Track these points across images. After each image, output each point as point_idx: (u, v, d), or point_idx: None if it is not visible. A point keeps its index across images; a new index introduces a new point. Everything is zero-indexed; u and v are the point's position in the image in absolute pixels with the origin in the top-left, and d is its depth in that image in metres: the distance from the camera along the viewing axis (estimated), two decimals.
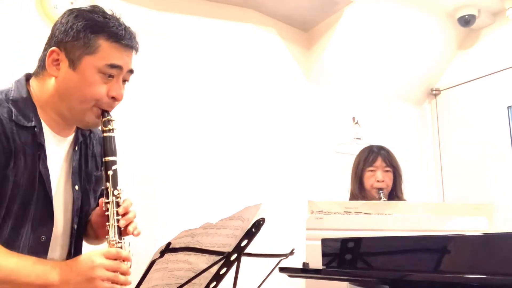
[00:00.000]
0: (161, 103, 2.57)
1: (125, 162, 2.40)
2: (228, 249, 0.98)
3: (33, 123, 1.14)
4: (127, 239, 1.20)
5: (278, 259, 1.08)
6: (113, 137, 1.21)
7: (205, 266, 0.97)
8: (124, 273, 1.08)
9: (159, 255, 0.85)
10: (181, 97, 2.65)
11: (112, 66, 1.17)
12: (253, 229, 0.99)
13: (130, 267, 1.12)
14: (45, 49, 1.19)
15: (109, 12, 1.24)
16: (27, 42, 2.08)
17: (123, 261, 1.10)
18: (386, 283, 0.98)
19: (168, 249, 0.86)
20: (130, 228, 1.18)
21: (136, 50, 1.27)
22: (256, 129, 2.84)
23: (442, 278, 0.88)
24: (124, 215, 1.18)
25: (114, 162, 1.19)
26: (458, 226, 1.47)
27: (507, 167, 3.10)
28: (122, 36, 1.19)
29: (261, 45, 2.98)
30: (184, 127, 2.63)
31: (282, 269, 1.15)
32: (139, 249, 1.32)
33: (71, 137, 1.27)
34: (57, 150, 1.23)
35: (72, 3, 2.32)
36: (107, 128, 1.20)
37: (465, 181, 3.35)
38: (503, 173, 3.12)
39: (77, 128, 1.29)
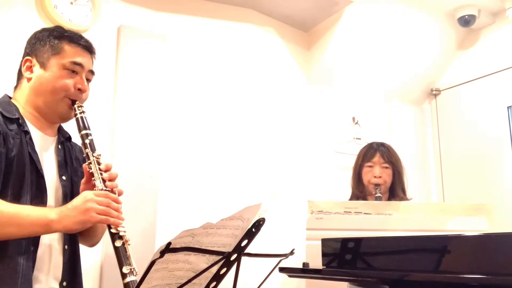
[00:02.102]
0: (160, 103, 2.57)
1: (125, 162, 2.41)
2: (228, 249, 0.98)
3: (16, 116, 1.35)
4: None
5: (278, 259, 1.08)
6: (84, 116, 1.43)
7: (205, 266, 0.97)
8: (115, 209, 1.28)
9: (159, 255, 0.85)
10: (181, 97, 2.66)
11: (75, 63, 1.43)
12: (253, 229, 0.99)
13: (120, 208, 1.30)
14: (20, 64, 1.46)
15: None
16: None
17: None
18: (386, 283, 0.98)
19: (168, 249, 0.85)
20: (112, 183, 1.36)
21: (94, 54, 1.52)
22: (256, 129, 2.84)
23: (442, 278, 0.88)
24: (106, 171, 1.37)
25: (89, 134, 1.41)
26: (458, 226, 1.47)
27: (507, 167, 3.10)
28: (80, 40, 1.47)
29: (261, 45, 2.98)
30: (184, 127, 2.63)
31: (282, 269, 1.15)
32: (139, 249, 1.33)
33: (54, 138, 1.48)
34: (43, 145, 1.42)
35: (72, 3, 2.33)
36: (78, 112, 1.43)
37: (465, 181, 3.35)
38: (503, 173, 3.12)
39: (59, 131, 1.50)
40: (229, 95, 2.80)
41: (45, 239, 1.33)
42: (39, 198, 1.33)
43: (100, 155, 1.39)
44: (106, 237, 1.41)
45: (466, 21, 3.21)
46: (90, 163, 1.37)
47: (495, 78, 3.24)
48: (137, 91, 2.50)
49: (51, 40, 1.43)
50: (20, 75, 1.46)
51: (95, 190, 1.32)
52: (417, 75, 3.54)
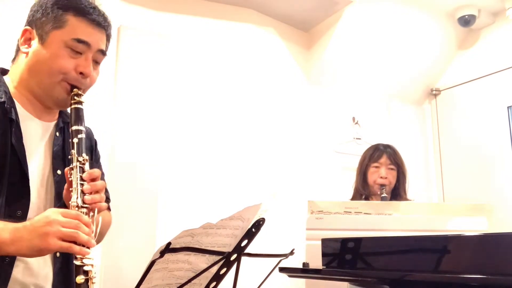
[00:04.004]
0: (160, 103, 2.57)
1: (125, 162, 2.41)
2: (228, 249, 0.98)
3: (2, 99, 1.14)
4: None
5: (278, 259, 1.08)
6: (81, 108, 1.20)
7: (205, 266, 0.97)
8: (85, 234, 1.00)
9: (159, 255, 0.85)
10: (181, 97, 2.65)
11: (79, 41, 1.18)
12: (253, 229, 0.99)
13: (93, 234, 1.05)
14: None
15: None
16: None
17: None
18: (386, 283, 0.98)
19: (168, 249, 0.85)
20: (92, 197, 1.10)
21: (106, 30, 1.26)
22: (256, 129, 2.84)
23: (442, 278, 0.88)
24: (89, 181, 1.12)
25: (80, 131, 1.17)
26: (458, 226, 1.47)
27: (507, 167, 3.10)
28: (89, 13, 1.20)
29: (261, 45, 2.98)
30: (184, 127, 2.63)
31: (282, 269, 1.15)
32: (139, 249, 1.32)
33: (53, 123, 1.27)
34: (36, 133, 1.22)
35: None
36: (74, 101, 1.19)
37: (465, 181, 3.34)
38: (503, 173, 3.12)
39: (59, 116, 1.29)
40: (229, 95, 2.80)
41: None
42: (18, 203, 1.12)
43: (86, 159, 1.14)
44: (106, 237, 1.40)
45: (466, 21, 3.21)
46: (72, 168, 1.12)
47: (495, 78, 3.24)
48: (137, 91, 2.50)
49: (55, 9, 1.18)
50: (17, 48, 1.24)
51: (70, 203, 1.08)
52: (417, 75, 3.54)
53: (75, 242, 0.99)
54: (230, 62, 2.84)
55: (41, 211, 1.09)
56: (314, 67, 3.20)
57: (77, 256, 1.00)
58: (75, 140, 1.15)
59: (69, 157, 1.15)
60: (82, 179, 1.11)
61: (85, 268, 1.00)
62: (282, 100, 3.03)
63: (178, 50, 2.69)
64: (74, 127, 1.17)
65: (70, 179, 1.12)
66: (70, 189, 1.10)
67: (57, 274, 1.18)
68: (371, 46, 3.20)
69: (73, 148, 1.14)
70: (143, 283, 0.88)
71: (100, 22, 1.22)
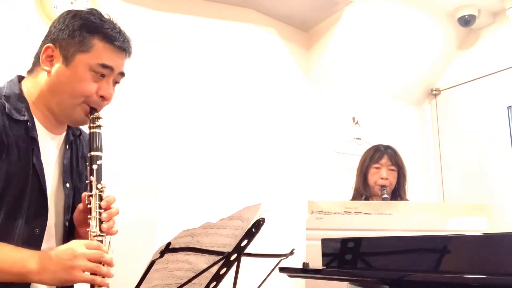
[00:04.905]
0: (160, 103, 2.57)
1: (125, 162, 2.41)
2: (228, 249, 0.98)
3: (25, 117, 1.17)
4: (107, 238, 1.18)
5: (278, 259, 1.08)
6: (100, 133, 1.22)
7: (205, 266, 0.97)
8: (108, 264, 1.07)
9: (159, 255, 0.85)
10: (181, 97, 2.65)
11: (104, 66, 1.20)
12: (253, 229, 0.99)
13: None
14: (41, 46, 1.23)
15: (106, 16, 1.28)
16: (27, 42, 2.08)
17: None
18: (386, 283, 0.97)
19: (168, 249, 0.85)
20: (108, 225, 1.16)
21: (129, 54, 1.29)
22: (256, 129, 2.84)
23: (442, 278, 0.88)
24: (106, 209, 1.17)
25: (99, 157, 1.20)
26: (458, 226, 1.47)
27: (507, 167, 3.10)
28: (116, 38, 1.22)
29: (261, 45, 2.98)
30: (184, 127, 2.63)
31: (282, 269, 1.15)
32: (140, 249, 1.32)
33: (62, 136, 1.29)
34: (50, 147, 1.24)
35: (72, 3, 2.32)
36: (94, 125, 1.22)
37: (465, 181, 3.35)
38: (503, 173, 3.12)
39: (68, 127, 1.31)
40: (229, 95, 2.79)
41: (43, 245, 1.18)
42: (39, 219, 1.16)
43: (104, 186, 1.18)
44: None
45: (466, 21, 3.21)
46: (91, 196, 1.16)
47: (495, 78, 3.24)
48: (137, 91, 2.50)
49: (83, 32, 1.19)
50: (37, 62, 1.23)
51: (88, 231, 1.13)
52: (417, 75, 3.54)
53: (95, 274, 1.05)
54: (230, 62, 2.84)
55: (51, 226, 1.19)
56: (314, 67, 3.20)
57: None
58: (95, 167, 1.19)
59: (87, 181, 1.19)
60: (100, 207, 1.15)
61: None
62: (282, 100, 3.03)
63: (178, 50, 2.69)
64: (93, 153, 1.20)
65: (88, 206, 1.16)
66: (89, 216, 1.15)
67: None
68: (371, 46, 3.20)
69: (92, 174, 1.18)
70: (143, 283, 0.88)
71: (125, 48, 1.25)
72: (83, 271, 1.04)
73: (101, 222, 1.14)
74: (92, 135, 1.22)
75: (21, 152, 1.13)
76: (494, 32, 3.34)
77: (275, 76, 3.02)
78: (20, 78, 1.26)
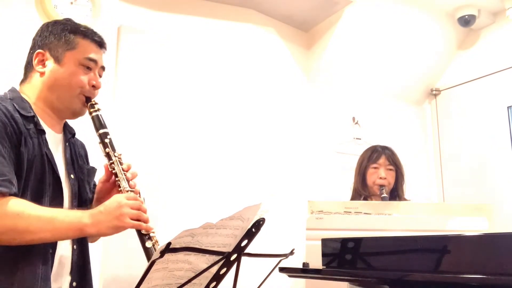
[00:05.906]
0: (160, 103, 2.57)
1: (125, 162, 2.40)
2: (228, 249, 0.98)
3: (31, 114, 1.32)
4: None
5: (278, 259, 1.08)
6: (100, 114, 1.41)
7: (205, 266, 0.97)
8: (144, 211, 1.28)
9: (159, 255, 0.85)
10: (181, 97, 2.65)
11: (90, 59, 1.39)
12: (253, 229, 0.99)
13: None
14: (29, 56, 1.41)
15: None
16: (27, 42, 2.08)
17: None
18: (386, 283, 0.98)
19: (168, 249, 0.85)
20: (135, 182, 1.37)
21: (105, 49, 1.48)
22: (256, 129, 2.84)
23: (442, 278, 0.88)
24: (127, 171, 1.38)
25: (107, 133, 1.41)
26: (458, 226, 1.47)
27: (507, 167, 3.10)
28: (94, 35, 1.43)
29: (261, 45, 2.98)
30: (183, 127, 2.63)
31: (282, 269, 1.15)
32: (140, 249, 1.32)
33: (61, 135, 1.45)
34: (53, 143, 1.38)
35: (72, 3, 2.32)
36: (93, 109, 1.41)
37: (465, 181, 3.35)
38: (503, 173, 3.12)
39: (65, 128, 1.47)
40: (229, 95, 2.79)
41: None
42: (57, 199, 1.31)
43: (121, 154, 1.40)
44: (106, 237, 1.40)
45: (466, 21, 3.21)
46: (113, 163, 1.37)
47: (495, 78, 3.24)
48: (137, 90, 2.50)
49: (66, 34, 1.38)
50: (29, 68, 1.40)
51: (122, 191, 1.33)
52: (417, 75, 3.54)
53: (138, 220, 1.26)
54: (230, 62, 2.84)
55: (66, 208, 1.35)
56: (314, 67, 3.20)
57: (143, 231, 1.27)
58: (107, 140, 1.40)
59: (104, 154, 1.39)
60: (123, 170, 1.37)
61: (150, 235, 1.28)
62: (282, 100, 3.03)
63: (178, 50, 2.69)
64: (101, 131, 1.41)
65: (113, 171, 1.37)
66: (117, 179, 1.36)
67: (75, 263, 1.36)
68: (371, 46, 3.20)
69: (106, 147, 1.39)
70: (143, 283, 0.88)
71: (102, 43, 1.45)
72: (130, 218, 1.23)
73: (128, 181, 1.36)
74: (94, 118, 1.41)
75: (34, 142, 1.28)
76: (494, 32, 3.34)
77: (275, 76, 3.02)
78: (14, 90, 1.41)
